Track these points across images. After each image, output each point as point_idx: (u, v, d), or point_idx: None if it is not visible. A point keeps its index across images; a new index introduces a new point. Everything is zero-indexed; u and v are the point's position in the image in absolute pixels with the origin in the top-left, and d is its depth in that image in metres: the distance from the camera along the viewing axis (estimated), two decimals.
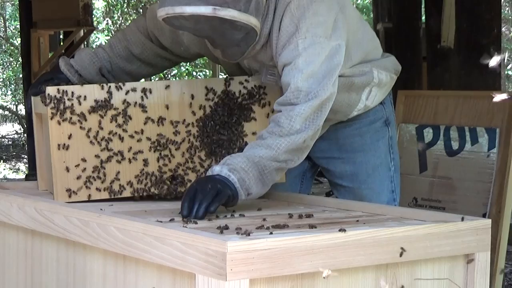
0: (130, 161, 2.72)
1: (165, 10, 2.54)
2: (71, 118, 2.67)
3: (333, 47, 2.63)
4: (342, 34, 2.68)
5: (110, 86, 2.72)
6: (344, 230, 2.08)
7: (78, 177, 2.67)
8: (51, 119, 2.66)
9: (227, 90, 2.81)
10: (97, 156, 2.69)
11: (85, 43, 10.59)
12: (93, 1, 11.57)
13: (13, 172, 12.63)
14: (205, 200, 2.36)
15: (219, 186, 2.41)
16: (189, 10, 2.50)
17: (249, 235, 2.05)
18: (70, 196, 2.66)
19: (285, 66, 2.63)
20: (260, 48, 2.73)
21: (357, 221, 2.34)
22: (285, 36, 2.64)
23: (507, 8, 15.93)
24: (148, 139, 2.74)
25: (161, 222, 2.25)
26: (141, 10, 15.83)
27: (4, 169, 12.76)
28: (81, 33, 9.60)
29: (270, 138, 2.55)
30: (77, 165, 2.67)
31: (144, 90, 2.74)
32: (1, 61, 17.70)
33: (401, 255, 2.12)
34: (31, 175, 8.73)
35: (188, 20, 2.54)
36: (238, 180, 2.46)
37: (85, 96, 2.69)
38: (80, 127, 2.68)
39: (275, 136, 2.55)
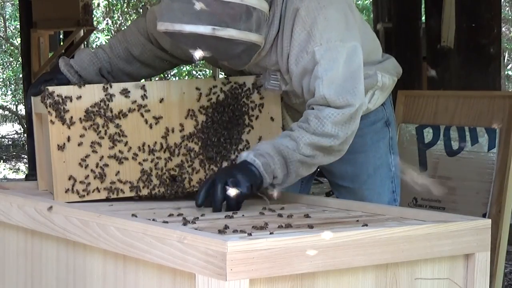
0: (129, 161, 2.71)
1: (164, 26, 2.54)
2: (70, 118, 2.67)
3: (349, 48, 2.63)
4: (355, 33, 2.69)
5: (109, 87, 2.72)
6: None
7: (78, 177, 2.67)
8: (51, 119, 2.66)
9: (227, 90, 2.81)
10: (96, 156, 2.69)
11: (85, 43, 10.59)
12: (93, 1, 11.55)
13: (13, 172, 12.64)
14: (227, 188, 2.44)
15: (240, 173, 2.48)
16: (188, 29, 2.50)
17: (249, 235, 2.05)
18: (70, 196, 2.66)
19: (305, 75, 2.64)
20: (265, 54, 2.73)
21: (357, 221, 2.34)
22: (298, 44, 2.64)
23: (507, 8, 15.93)
24: (148, 139, 2.73)
25: (161, 222, 2.25)
26: (141, 10, 15.83)
27: (4, 169, 12.76)
28: (81, 33, 9.60)
29: (297, 131, 2.60)
30: (77, 165, 2.67)
31: (144, 91, 2.73)
32: (1, 61, 17.71)
33: None
34: (31, 175, 8.73)
35: (187, 37, 2.54)
36: (262, 165, 2.52)
37: (84, 97, 2.69)
38: (80, 127, 2.68)
39: (302, 130, 2.59)
